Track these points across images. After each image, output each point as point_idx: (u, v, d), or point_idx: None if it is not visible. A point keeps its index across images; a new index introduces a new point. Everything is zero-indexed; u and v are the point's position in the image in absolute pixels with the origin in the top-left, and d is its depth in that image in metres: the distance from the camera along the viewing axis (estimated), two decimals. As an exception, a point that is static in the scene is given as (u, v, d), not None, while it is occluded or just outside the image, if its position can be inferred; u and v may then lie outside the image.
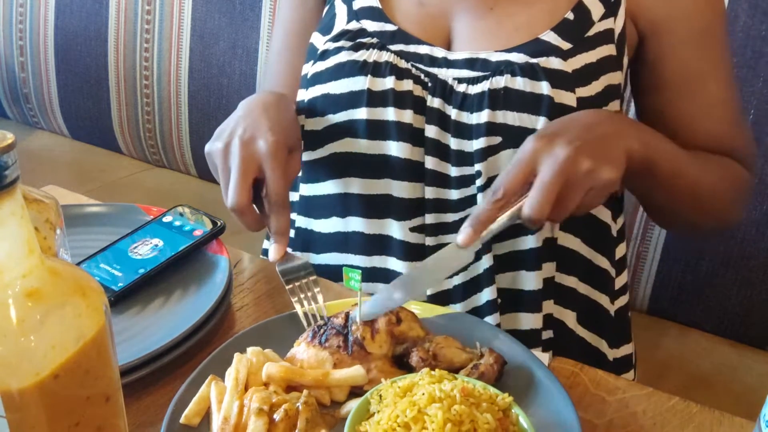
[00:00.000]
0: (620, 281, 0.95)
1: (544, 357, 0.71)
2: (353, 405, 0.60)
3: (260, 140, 0.76)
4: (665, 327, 1.33)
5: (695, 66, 0.87)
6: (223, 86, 1.63)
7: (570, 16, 0.84)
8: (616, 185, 0.72)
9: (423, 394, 0.57)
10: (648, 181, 0.79)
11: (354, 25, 0.88)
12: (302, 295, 0.75)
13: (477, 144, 0.82)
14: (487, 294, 0.86)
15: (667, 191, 0.82)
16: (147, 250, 0.83)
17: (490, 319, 0.86)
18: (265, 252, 1.04)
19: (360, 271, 0.67)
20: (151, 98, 1.74)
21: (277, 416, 0.58)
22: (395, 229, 0.87)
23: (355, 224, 0.89)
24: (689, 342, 1.30)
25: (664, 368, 1.24)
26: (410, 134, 0.84)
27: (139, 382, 0.67)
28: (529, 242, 0.85)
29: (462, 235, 0.69)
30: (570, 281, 0.89)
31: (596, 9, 0.84)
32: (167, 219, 0.87)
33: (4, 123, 2.02)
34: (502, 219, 0.69)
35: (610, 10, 0.85)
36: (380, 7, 0.88)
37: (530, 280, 0.87)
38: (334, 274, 0.85)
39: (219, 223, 0.86)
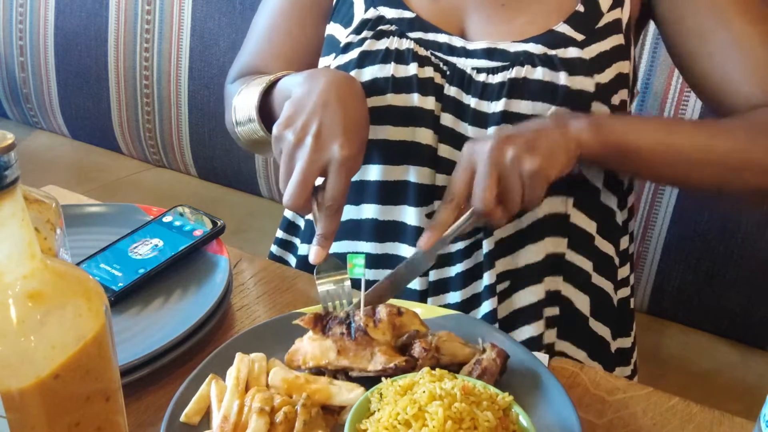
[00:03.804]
0: (623, 273, 0.96)
1: (544, 357, 0.72)
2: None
3: (334, 145, 0.72)
4: (665, 327, 1.33)
5: (709, 12, 0.85)
6: (222, 86, 1.63)
7: (580, 8, 0.85)
8: (545, 175, 0.74)
9: (423, 392, 0.57)
10: (634, 162, 0.80)
11: (372, 13, 0.89)
12: (331, 289, 0.74)
13: (490, 132, 0.83)
14: (487, 279, 0.87)
15: (670, 167, 0.82)
16: (147, 250, 0.83)
17: (489, 304, 0.86)
18: (277, 241, 1.05)
19: (364, 256, 0.68)
20: (151, 98, 1.74)
21: (277, 419, 0.58)
22: (410, 215, 0.88)
23: (369, 211, 0.90)
24: (689, 342, 1.30)
25: (664, 368, 1.24)
26: (432, 121, 0.85)
27: (139, 382, 0.67)
28: (531, 218, 0.86)
29: (423, 240, 0.74)
30: (580, 261, 0.90)
31: (604, 0, 0.86)
32: (167, 219, 0.87)
33: (4, 123, 2.02)
34: (461, 222, 0.74)
35: (617, 1, 0.86)
36: None
37: (533, 254, 0.87)
38: (344, 262, 0.85)
39: (219, 223, 0.86)
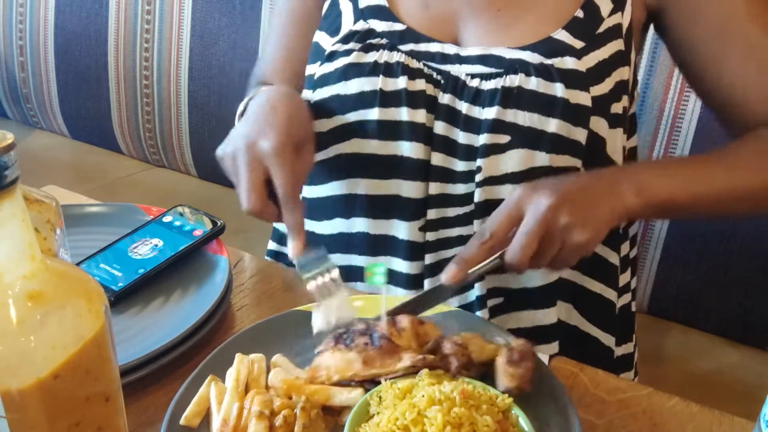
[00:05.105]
0: (624, 279, 0.95)
1: (544, 357, 0.71)
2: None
3: (263, 141, 0.75)
4: (665, 327, 1.33)
5: (720, 20, 0.84)
6: (223, 86, 1.63)
7: (580, 14, 0.84)
8: (588, 249, 0.74)
9: (423, 396, 0.57)
10: (675, 213, 0.83)
11: (361, 26, 0.88)
12: (320, 283, 0.73)
13: (482, 139, 0.82)
14: (477, 290, 0.86)
15: (708, 210, 0.83)
16: (147, 250, 0.83)
17: (480, 315, 0.86)
18: (270, 253, 1.04)
19: (384, 264, 0.67)
20: (151, 98, 1.74)
21: (276, 422, 0.58)
22: (401, 229, 0.87)
23: (360, 225, 0.89)
24: (689, 342, 1.30)
25: (664, 368, 1.24)
26: (423, 134, 0.84)
27: (139, 382, 0.67)
28: None
29: (446, 273, 0.71)
30: (579, 276, 0.89)
31: (605, 5, 0.85)
32: (167, 219, 0.87)
33: (4, 123, 2.02)
34: (486, 263, 0.72)
35: (618, 5, 0.85)
36: (387, 5, 0.88)
37: (536, 278, 0.86)
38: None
39: (219, 223, 0.86)
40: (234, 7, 1.57)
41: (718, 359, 1.26)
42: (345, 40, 0.87)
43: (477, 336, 0.67)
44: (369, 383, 0.63)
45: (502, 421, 0.57)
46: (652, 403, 0.68)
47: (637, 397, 0.68)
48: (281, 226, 1.02)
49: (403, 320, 0.66)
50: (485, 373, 0.65)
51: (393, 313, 0.70)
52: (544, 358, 0.71)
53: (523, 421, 0.58)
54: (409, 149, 0.85)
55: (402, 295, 0.89)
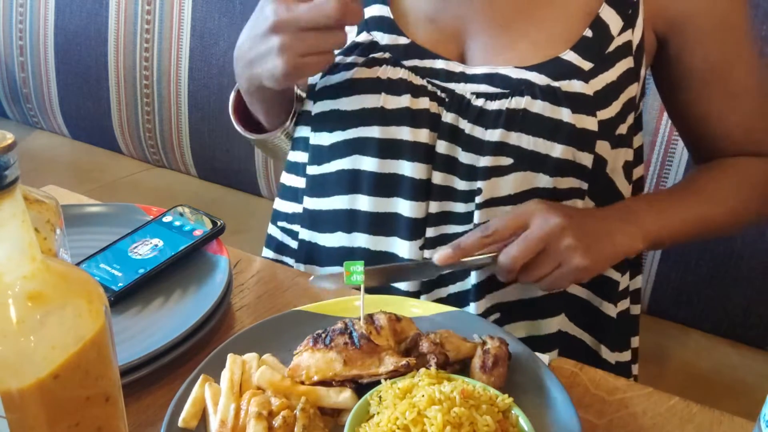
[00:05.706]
0: (622, 284, 0.93)
1: (545, 357, 0.71)
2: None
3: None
4: (665, 327, 1.33)
5: (718, 57, 0.86)
6: (223, 86, 1.63)
7: (588, 33, 0.82)
8: (583, 275, 0.76)
9: (423, 395, 0.57)
10: (667, 245, 0.88)
11: (365, 37, 0.86)
12: None
13: (484, 161, 0.81)
14: (473, 308, 0.85)
15: (685, 240, 0.88)
16: (147, 250, 0.83)
17: None
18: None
19: (362, 263, 0.66)
20: (151, 98, 1.74)
21: (275, 423, 0.58)
22: (401, 247, 0.86)
23: (361, 240, 0.88)
24: (689, 342, 1.30)
25: (664, 368, 1.24)
26: (424, 153, 0.83)
27: (139, 382, 0.67)
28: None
29: (440, 254, 0.74)
30: (575, 289, 0.89)
31: (615, 23, 0.83)
32: (167, 219, 0.87)
33: (4, 123, 2.02)
34: (480, 257, 0.75)
35: (629, 22, 0.83)
36: (392, 17, 0.87)
37: (523, 289, 0.86)
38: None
39: (219, 223, 0.86)
40: (234, 7, 1.58)
41: (718, 359, 1.26)
42: (347, 51, 0.86)
43: (453, 334, 0.67)
44: (351, 383, 0.64)
45: (502, 421, 0.57)
46: (652, 403, 0.68)
47: (637, 397, 0.68)
48: (277, 233, 1.01)
49: (381, 318, 0.66)
50: (461, 370, 0.65)
51: (376, 270, 0.70)
52: (545, 359, 0.71)
53: (523, 421, 0.58)
54: (410, 169, 0.83)
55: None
